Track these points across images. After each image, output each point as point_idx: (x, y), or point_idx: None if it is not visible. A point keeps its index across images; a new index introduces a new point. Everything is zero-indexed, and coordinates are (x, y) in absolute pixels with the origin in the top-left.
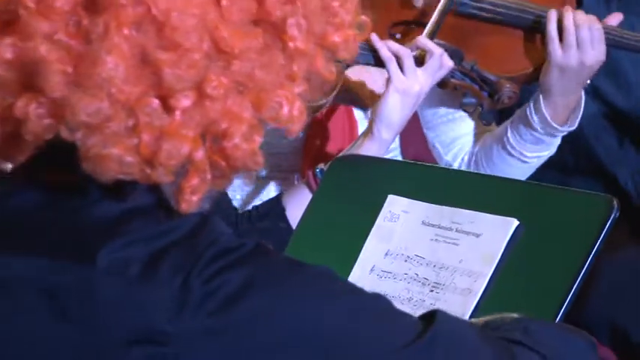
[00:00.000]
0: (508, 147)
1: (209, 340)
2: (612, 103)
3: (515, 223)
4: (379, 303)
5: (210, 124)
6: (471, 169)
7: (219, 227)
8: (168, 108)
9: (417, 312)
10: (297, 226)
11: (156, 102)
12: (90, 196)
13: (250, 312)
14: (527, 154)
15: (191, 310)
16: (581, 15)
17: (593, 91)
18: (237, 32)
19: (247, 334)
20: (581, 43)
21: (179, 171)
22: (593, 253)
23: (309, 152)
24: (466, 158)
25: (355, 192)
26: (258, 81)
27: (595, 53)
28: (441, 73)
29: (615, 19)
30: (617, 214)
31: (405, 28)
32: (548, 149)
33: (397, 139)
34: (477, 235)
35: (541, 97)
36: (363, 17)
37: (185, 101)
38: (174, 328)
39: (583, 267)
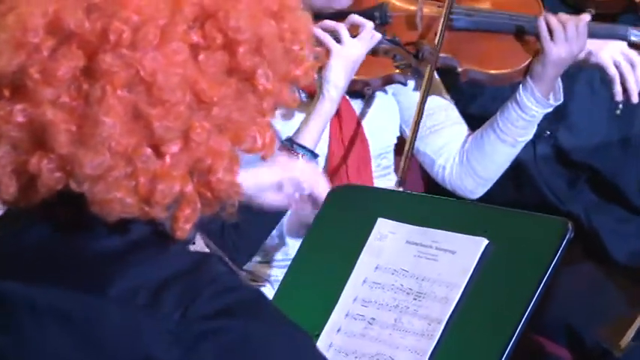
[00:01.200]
0: (500, 134)
1: None
2: (565, 147)
3: (485, 242)
4: None
5: (196, 162)
6: (463, 165)
7: (218, 266)
8: (159, 154)
9: (402, 317)
10: (300, 246)
11: (149, 150)
12: (96, 230)
13: None
14: (518, 138)
15: (185, 345)
16: (563, 15)
17: (549, 137)
18: (214, 83)
19: None
20: (569, 38)
21: (172, 205)
22: (551, 268)
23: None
24: (457, 158)
25: (350, 216)
26: (235, 121)
27: (580, 43)
28: (373, 42)
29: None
30: (572, 235)
31: (411, 47)
32: (533, 131)
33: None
34: (453, 252)
35: (531, 81)
36: (317, 48)
37: (174, 147)
38: (168, 358)
39: (542, 280)
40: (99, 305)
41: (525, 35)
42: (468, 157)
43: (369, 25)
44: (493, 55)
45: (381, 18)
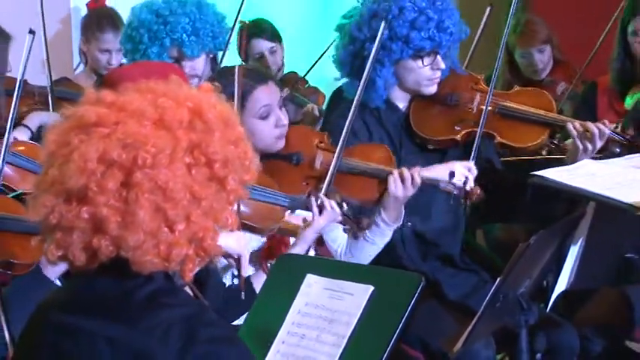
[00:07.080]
0: (366, 238)
1: None
2: (420, 232)
3: (372, 288)
4: None
5: (194, 234)
6: (346, 251)
7: (211, 314)
8: (172, 230)
9: (321, 334)
10: (259, 292)
11: (166, 229)
12: (137, 279)
13: None
14: (377, 242)
15: None
16: (406, 171)
17: (410, 226)
18: (202, 186)
19: None
20: (407, 187)
21: (181, 262)
22: (412, 304)
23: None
24: (344, 247)
25: (290, 273)
26: (215, 209)
27: (414, 190)
28: (335, 216)
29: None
30: (424, 284)
31: (313, 180)
32: (385, 238)
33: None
34: (352, 295)
35: (382, 211)
36: (256, 163)
37: (180, 226)
38: None
39: (407, 311)
40: (131, 334)
41: (378, 180)
42: (349, 249)
43: (337, 209)
44: (358, 189)
45: (297, 160)
